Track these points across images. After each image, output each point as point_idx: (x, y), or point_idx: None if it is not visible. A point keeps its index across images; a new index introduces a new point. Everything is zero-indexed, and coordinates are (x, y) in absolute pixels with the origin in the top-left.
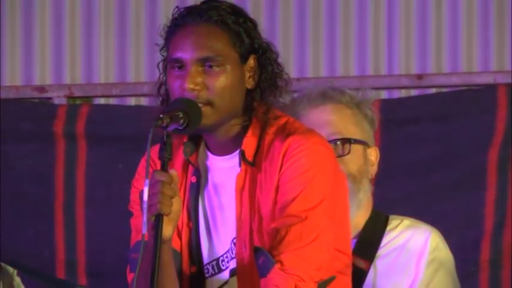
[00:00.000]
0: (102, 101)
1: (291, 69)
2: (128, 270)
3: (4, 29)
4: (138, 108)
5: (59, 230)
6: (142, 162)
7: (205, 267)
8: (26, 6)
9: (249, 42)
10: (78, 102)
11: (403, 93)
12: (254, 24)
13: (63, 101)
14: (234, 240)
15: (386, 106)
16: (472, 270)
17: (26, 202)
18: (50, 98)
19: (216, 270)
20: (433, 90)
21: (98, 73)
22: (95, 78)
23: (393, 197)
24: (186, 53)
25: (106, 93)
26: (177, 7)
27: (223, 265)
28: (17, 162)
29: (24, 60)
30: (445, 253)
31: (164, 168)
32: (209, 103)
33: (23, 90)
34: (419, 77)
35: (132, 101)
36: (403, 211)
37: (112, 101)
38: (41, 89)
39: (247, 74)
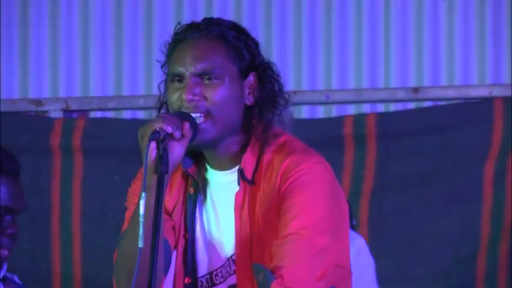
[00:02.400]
0: (98, 114)
1: (288, 83)
2: (115, 253)
3: (1, 42)
4: (134, 121)
5: (55, 242)
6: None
7: (199, 280)
8: (22, 20)
9: (250, 59)
10: (74, 115)
11: (399, 106)
12: (256, 43)
13: (60, 114)
14: (233, 257)
15: (383, 119)
16: (467, 282)
17: (23, 215)
18: (46, 111)
19: (210, 284)
20: (429, 104)
21: (94, 86)
22: (91, 91)
23: (389, 210)
24: (185, 67)
25: (102, 106)
26: (178, 23)
27: (216, 279)
28: None
29: (20, 73)
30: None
31: (161, 182)
32: (208, 114)
33: (20, 104)
34: (416, 90)
35: (128, 114)
36: (399, 224)
37: (108, 114)
38: (38, 102)
39: (247, 91)
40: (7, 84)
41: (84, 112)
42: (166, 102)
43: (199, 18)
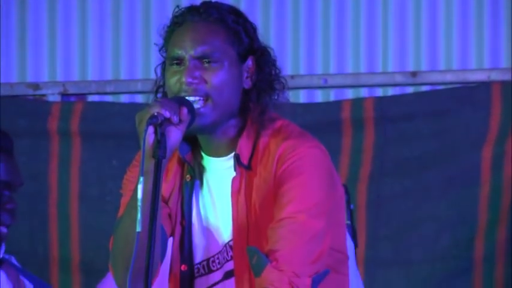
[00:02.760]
0: (96, 98)
1: (285, 67)
2: (111, 239)
3: None
4: (132, 105)
5: (53, 226)
6: (140, 152)
7: (195, 267)
8: (20, 4)
9: (248, 43)
10: (72, 99)
11: (397, 90)
12: (254, 27)
13: (57, 98)
14: (230, 243)
15: (381, 103)
16: (465, 266)
17: (20, 199)
18: (44, 95)
19: (206, 270)
20: (427, 88)
21: (92, 70)
22: (89, 75)
23: (387, 194)
24: (185, 50)
25: (100, 90)
26: (177, 6)
27: (213, 266)
28: None
29: (18, 57)
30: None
31: (159, 167)
32: (208, 97)
33: (18, 87)
34: (414, 74)
35: (126, 98)
36: (397, 208)
37: (106, 98)
38: (35, 86)
39: (245, 74)
40: (5, 68)
41: (82, 96)
42: (163, 86)
43: (197, 2)
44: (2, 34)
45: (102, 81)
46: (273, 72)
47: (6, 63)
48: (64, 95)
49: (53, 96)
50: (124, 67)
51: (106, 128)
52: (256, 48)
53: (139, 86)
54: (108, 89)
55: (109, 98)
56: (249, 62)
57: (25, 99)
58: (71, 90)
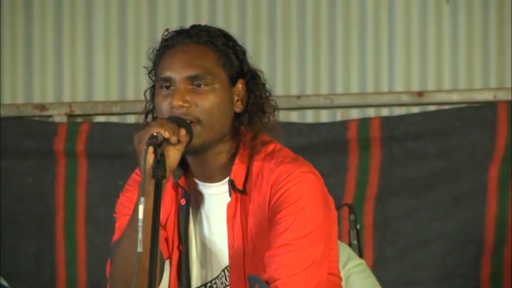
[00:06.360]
0: (102, 118)
1: (291, 87)
2: (108, 264)
3: (5, 47)
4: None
5: (60, 247)
6: (133, 176)
7: None
8: (26, 25)
9: (239, 65)
10: (78, 120)
11: (403, 110)
12: (243, 51)
13: (64, 119)
14: (228, 268)
15: (387, 123)
16: (472, 285)
17: (27, 219)
18: (50, 116)
19: None
20: (434, 108)
21: (98, 91)
22: (95, 96)
23: (394, 214)
24: (175, 72)
25: (106, 111)
26: (166, 30)
27: None
28: (17, 180)
29: (24, 78)
30: (356, 263)
31: (159, 187)
32: (198, 121)
33: (24, 108)
34: (420, 94)
35: (132, 119)
36: (404, 228)
37: (112, 119)
38: (42, 107)
39: (236, 98)
40: (11, 89)
41: (88, 117)
42: (152, 110)
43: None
44: (8, 55)
45: (108, 102)
46: (264, 95)
47: (12, 85)
48: (70, 115)
49: (59, 117)
50: (130, 88)
51: (112, 148)
52: (246, 71)
53: None
54: (114, 109)
55: (115, 119)
56: (239, 86)
57: (31, 120)
58: (77, 111)
